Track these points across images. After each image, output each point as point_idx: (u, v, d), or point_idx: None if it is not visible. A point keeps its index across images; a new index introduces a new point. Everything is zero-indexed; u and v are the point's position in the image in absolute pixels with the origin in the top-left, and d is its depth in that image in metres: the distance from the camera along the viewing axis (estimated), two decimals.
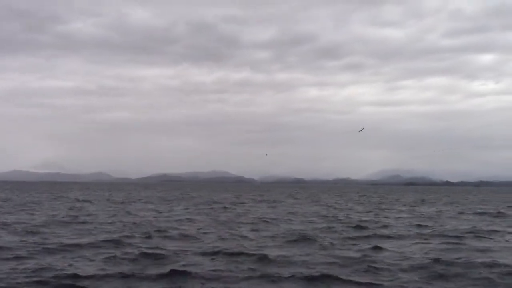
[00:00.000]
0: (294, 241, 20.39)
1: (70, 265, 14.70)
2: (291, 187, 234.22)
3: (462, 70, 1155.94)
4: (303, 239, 20.98)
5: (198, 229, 24.59)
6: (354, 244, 19.79)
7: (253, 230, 24.64)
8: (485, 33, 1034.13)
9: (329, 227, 26.12)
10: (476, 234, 23.76)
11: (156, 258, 16.04)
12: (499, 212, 40.53)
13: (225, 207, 43.57)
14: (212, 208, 42.70)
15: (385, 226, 27.28)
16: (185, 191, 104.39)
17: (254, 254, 16.66)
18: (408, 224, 29.09)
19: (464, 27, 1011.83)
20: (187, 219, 30.28)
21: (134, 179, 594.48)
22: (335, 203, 57.84)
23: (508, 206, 53.59)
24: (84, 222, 26.98)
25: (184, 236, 21.59)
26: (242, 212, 38.20)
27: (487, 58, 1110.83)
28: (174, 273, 13.71)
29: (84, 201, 52.58)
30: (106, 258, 15.83)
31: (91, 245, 18.39)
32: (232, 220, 30.13)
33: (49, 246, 18.04)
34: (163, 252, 17.06)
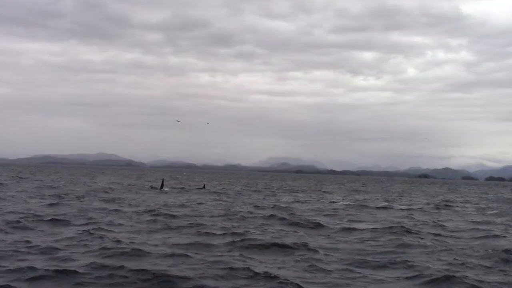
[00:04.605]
0: None
1: None
2: (180, 171, 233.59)
3: (346, 65, 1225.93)
4: None
5: None
6: None
7: None
8: (367, 32, 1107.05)
9: None
10: None
11: None
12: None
13: None
14: None
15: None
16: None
17: None
18: None
19: (348, 25, 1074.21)
20: None
21: (13, 160, 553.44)
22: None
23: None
24: None
25: None
26: None
27: (369, 55, 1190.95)
28: None
29: None
30: None
31: None
32: None
33: None
34: None
